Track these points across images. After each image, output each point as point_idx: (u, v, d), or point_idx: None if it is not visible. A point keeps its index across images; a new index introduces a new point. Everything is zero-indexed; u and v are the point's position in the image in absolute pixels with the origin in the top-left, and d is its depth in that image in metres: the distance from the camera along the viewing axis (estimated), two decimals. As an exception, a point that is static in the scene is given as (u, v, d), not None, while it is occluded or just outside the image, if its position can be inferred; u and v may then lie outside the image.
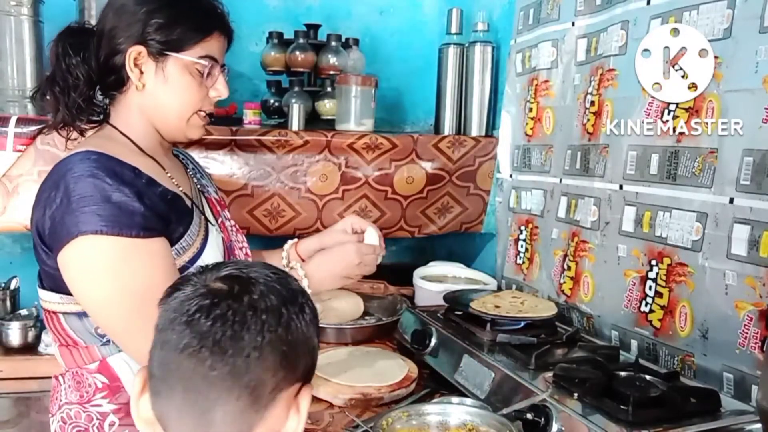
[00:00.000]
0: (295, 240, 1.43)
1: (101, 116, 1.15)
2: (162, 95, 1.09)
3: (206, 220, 1.16)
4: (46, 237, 0.99)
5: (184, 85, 1.09)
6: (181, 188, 1.13)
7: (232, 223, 1.30)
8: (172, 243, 1.05)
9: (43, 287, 1.07)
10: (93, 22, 1.62)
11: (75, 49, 1.08)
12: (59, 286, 1.02)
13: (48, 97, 1.10)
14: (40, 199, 1.01)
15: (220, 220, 1.23)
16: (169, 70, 1.07)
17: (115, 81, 1.09)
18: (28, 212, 1.61)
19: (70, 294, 1.02)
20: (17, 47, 1.65)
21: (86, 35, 1.11)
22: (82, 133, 1.14)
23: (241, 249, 1.27)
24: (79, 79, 1.08)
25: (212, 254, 1.12)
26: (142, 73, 1.07)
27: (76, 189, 0.95)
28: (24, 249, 2.04)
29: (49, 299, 1.06)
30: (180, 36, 1.07)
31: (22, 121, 1.57)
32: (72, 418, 1.08)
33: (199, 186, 1.25)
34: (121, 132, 1.11)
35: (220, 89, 1.13)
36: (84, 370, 1.07)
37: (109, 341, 1.04)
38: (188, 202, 1.13)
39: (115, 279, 0.97)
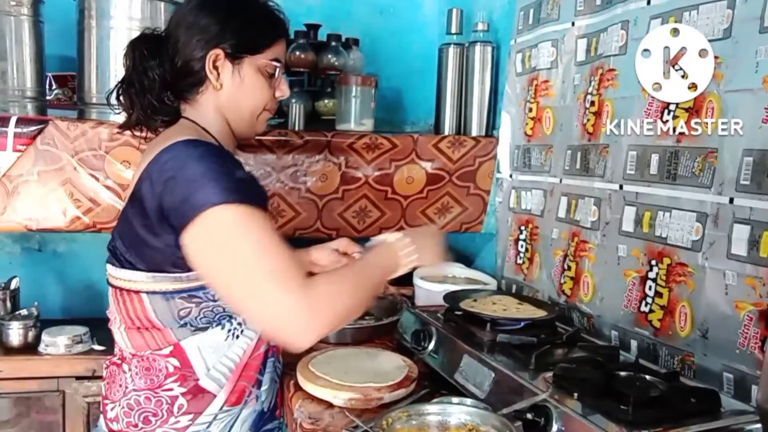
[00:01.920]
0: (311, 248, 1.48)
1: (171, 117, 1.21)
2: (238, 94, 1.18)
3: None
4: (171, 212, 1.01)
5: (257, 85, 1.18)
6: None
7: None
8: None
9: (124, 267, 1.11)
10: (94, 23, 1.65)
11: (151, 53, 1.16)
12: (156, 264, 1.07)
13: (123, 99, 1.18)
14: (157, 178, 1.03)
15: None
16: (245, 71, 1.17)
17: (191, 83, 1.17)
18: (28, 212, 1.64)
19: (165, 271, 1.07)
20: (17, 47, 1.66)
21: (159, 41, 1.18)
22: (155, 131, 1.21)
23: None
24: (155, 81, 1.16)
25: None
26: (219, 74, 1.15)
27: (200, 166, 1.00)
28: (24, 249, 2.05)
29: (134, 278, 1.10)
30: (255, 40, 1.17)
31: (22, 121, 1.58)
32: (141, 404, 1.12)
33: None
34: (201, 127, 1.17)
35: (283, 89, 1.23)
36: (156, 355, 1.11)
37: (186, 324, 1.10)
38: None
39: (246, 244, 0.99)
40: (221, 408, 1.15)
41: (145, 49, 1.17)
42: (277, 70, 1.20)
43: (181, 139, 1.06)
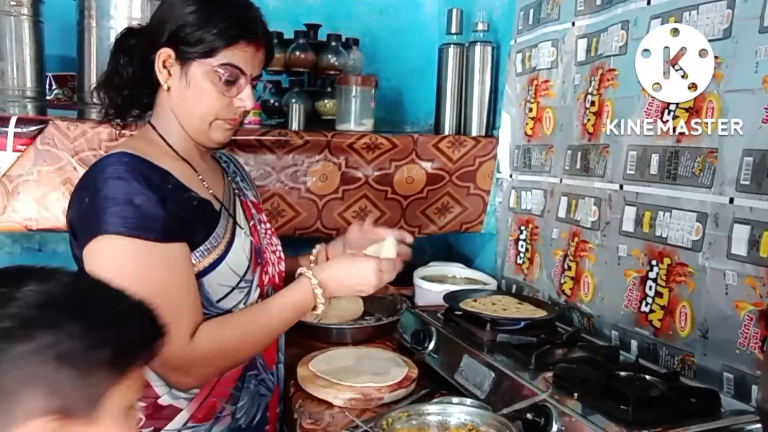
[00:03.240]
0: (323, 245, 1.43)
1: (145, 114, 1.19)
2: (185, 99, 1.11)
3: (234, 223, 1.17)
4: (77, 233, 1.04)
5: (204, 90, 1.09)
6: (212, 191, 1.16)
7: (267, 226, 1.31)
8: (196, 245, 1.07)
9: None
10: (94, 23, 1.64)
11: (126, 50, 1.14)
12: None
13: (101, 94, 1.17)
14: (74, 197, 1.06)
15: (251, 223, 1.24)
16: (192, 75, 1.09)
17: (155, 80, 1.12)
18: (28, 212, 1.64)
19: None
20: (17, 47, 1.65)
21: (138, 36, 1.15)
22: (123, 129, 1.21)
23: (273, 252, 1.28)
24: (123, 79, 1.13)
25: (237, 257, 1.13)
26: (170, 75, 1.10)
27: (103, 190, 1.00)
28: (24, 249, 2.04)
29: None
30: (204, 42, 1.08)
31: (22, 121, 1.57)
32: None
33: (236, 190, 1.26)
34: (159, 134, 1.14)
35: (243, 99, 1.12)
36: None
37: None
38: (217, 206, 1.14)
39: (129, 279, 0.98)
40: (185, 424, 1.10)
41: (122, 45, 1.14)
42: (238, 78, 1.10)
43: (116, 151, 1.06)
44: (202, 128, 1.13)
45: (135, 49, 1.13)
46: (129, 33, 1.16)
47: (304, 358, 1.43)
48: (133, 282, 0.98)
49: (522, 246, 1.84)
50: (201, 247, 1.08)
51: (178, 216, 1.03)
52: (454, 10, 2.01)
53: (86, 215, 1.01)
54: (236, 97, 1.11)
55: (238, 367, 1.15)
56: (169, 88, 1.10)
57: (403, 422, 1.05)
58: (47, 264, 0.69)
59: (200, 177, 1.15)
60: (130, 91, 1.14)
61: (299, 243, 1.96)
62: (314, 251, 1.42)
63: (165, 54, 1.08)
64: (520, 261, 1.85)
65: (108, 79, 1.15)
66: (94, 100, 1.20)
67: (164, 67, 1.09)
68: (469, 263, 2.13)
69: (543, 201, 1.75)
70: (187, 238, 1.05)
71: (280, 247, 1.32)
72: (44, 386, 0.60)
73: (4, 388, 0.58)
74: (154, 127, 1.15)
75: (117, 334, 0.65)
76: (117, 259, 0.99)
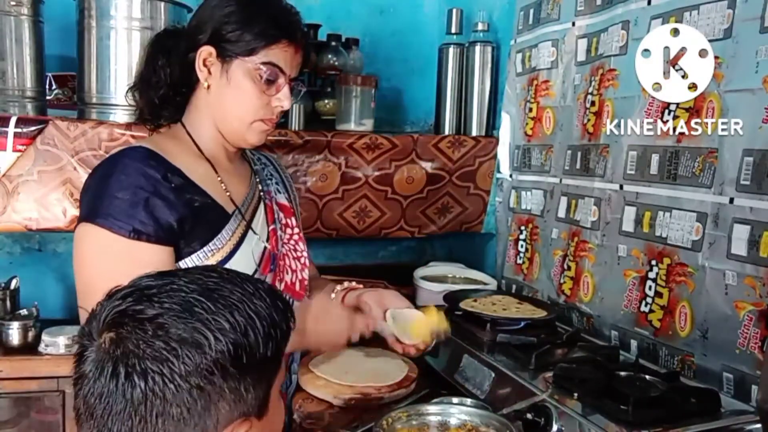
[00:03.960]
0: (348, 286, 1.32)
1: (177, 116, 1.18)
2: (225, 97, 1.11)
3: (247, 227, 1.15)
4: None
5: (244, 89, 1.10)
6: (229, 193, 1.15)
7: (295, 231, 1.28)
8: (196, 246, 1.07)
9: None
10: (94, 23, 1.64)
11: (164, 51, 1.14)
12: None
13: (136, 95, 1.17)
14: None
15: (271, 227, 1.21)
16: (233, 73, 1.09)
17: (194, 80, 1.12)
18: (28, 212, 1.64)
19: None
20: (17, 47, 1.65)
21: (177, 37, 1.15)
22: (156, 129, 1.19)
23: (297, 259, 1.25)
24: (160, 79, 1.13)
25: (243, 260, 1.12)
26: (210, 73, 1.10)
27: (98, 180, 1.04)
28: (24, 249, 2.04)
29: None
30: (245, 40, 1.08)
31: (22, 121, 1.57)
32: None
33: (262, 193, 1.24)
34: (188, 132, 1.14)
35: (281, 99, 1.12)
36: None
37: None
38: (230, 209, 1.13)
39: (92, 267, 1.02)
40: None
41: (160, 46, 1.15)
42: (278, 77, 1.10)
43: (134, 144, 1.09)
44: (239, 129, 1.13)
45: (174, 49, 1.13)
46: (167, 33, 1.17)
47: (304, 358, 1.43)
48: (94, 272, 1.00)
49: (522, 246, 1.84)
50: (205, 248, 1.08)
51: (166, 219, 1.03)
52: (454, 10, 2.01)
53: (81, 200, 1.06)
54: (274, 97, 1.12)
55: None
56: (208, 87, 1.11)
57: (403, 422, 1.05)
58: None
59: (219, 178, 1.15)
60: (167, 90, 1.14)
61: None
62: (338, 287, 1.32)
63: (206, 52, 1.09)
64: (520, 261, 1.85)
65: (144, 79, 1.15)
66: (129, 102, 1.20)
67: (205, 65, 1.09)
68: (469, 263, 2.13)
69: (543, 201, 1.75)
70: (173, 242, 1.04)
71: (305, 254, 1.29)
72: (232, 395, 0.65)
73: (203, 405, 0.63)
74: (184, 126, 1.15)
75: (274, 323, 0.68)
76: (85, 247, 1.03)
